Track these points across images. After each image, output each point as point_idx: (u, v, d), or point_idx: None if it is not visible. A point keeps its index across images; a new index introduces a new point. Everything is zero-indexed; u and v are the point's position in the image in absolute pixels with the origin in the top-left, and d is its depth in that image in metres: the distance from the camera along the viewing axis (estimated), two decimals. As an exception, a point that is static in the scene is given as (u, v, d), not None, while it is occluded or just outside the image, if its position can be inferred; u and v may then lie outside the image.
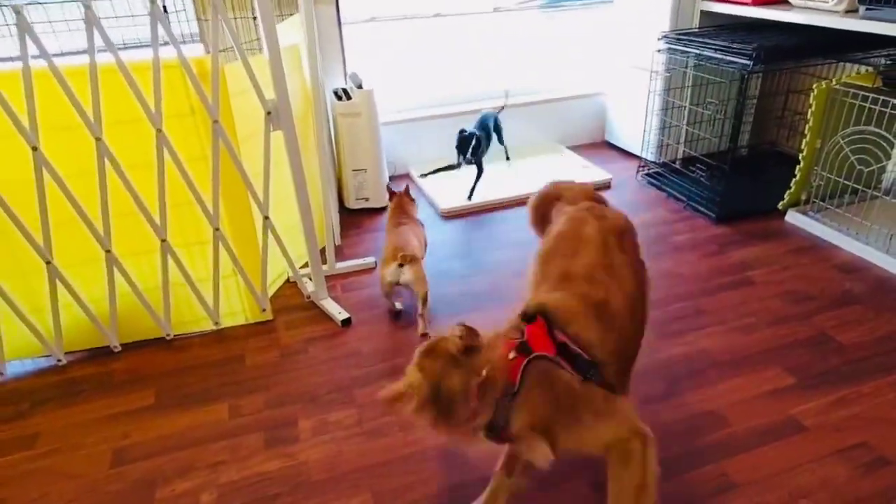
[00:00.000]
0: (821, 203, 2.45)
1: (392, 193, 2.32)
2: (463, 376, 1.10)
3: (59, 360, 1.90)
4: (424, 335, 1.95)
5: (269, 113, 1.78)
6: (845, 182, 2.33)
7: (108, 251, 1.77)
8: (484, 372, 1.10)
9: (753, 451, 1.48)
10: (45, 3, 1.67)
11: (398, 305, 2.10)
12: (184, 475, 1.49)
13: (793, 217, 2.55)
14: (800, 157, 2.43)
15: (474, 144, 2.73)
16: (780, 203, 2.57)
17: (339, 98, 2.62)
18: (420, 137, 3.19)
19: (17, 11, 1.45)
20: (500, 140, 3.06)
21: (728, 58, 2.40)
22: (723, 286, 2.14)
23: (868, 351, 1.79)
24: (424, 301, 1.98)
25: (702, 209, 2.65)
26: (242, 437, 1.59)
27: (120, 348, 1.95)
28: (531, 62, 3.38)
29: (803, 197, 2.53)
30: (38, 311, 1.84)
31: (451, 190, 2.91)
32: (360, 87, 2.65)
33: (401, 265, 1.96)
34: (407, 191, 2.33)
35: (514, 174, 3.09)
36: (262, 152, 1.84)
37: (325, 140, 2.19)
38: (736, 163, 2.59)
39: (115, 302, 1.86)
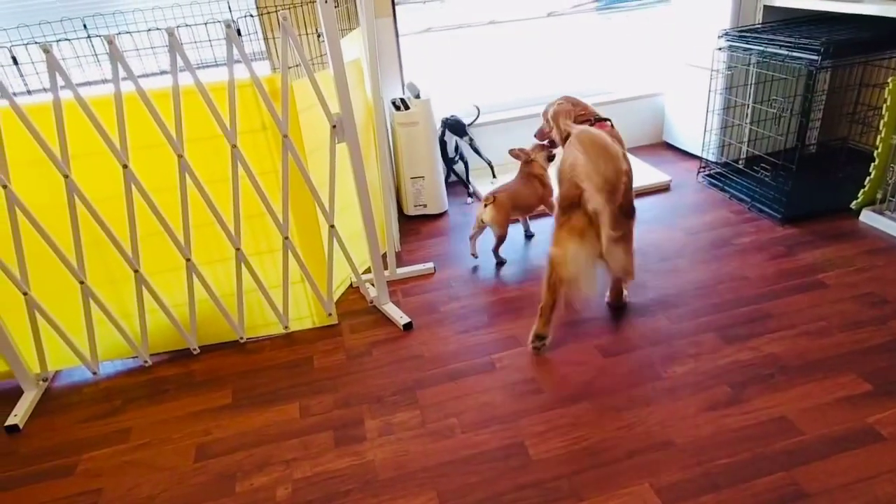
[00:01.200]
0: (898, 201, 2.34)
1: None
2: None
3: (145, 362, 2.04)
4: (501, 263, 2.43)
5: (334, 126, 1.87)
6: (925, 179, 2.22)
7: (188, 260, 1.90)
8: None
9: (827, 459, 1.43)
10: (135, 32, 1.80)
11: (476, 252, 2.46)
12: (261, 470, 1.58)
13: (867, 217, 2.43)
14: (874, 154, 2.32)
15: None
16: (854, 202, 2.46)
17: (398, 108, 2.69)
18: (477, 143, 3.22)
19: (110, 42, 1.59)
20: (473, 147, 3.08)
21: (794, 54, 2.33)
22: (792, 289, 2.08)
23: (953, 357, 1.70)
24: (499, 241, 2.39)
25: (767, 210, 2.57)
26: (313, 436, 1.68)
27: (198, 350, 2.09)
28: (588, 64, 3.36)
29: (879, 195, 2.41)
30: (126, 316, 1.99)
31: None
32: (417, 96, 2.72)
33: (486, 205, 2.35)
34: (540, 147, 2.47)
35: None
36: (327, 163, 1.93)
37: (385, 149, 2.27)
38: (804, 161, 2.50)
39: (195, 307, 1.99)
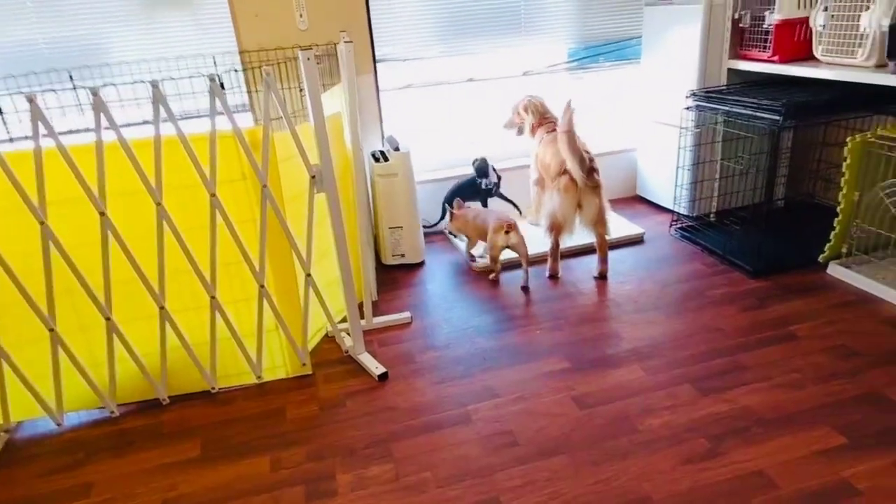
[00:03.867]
0: (863, 255, 2.41)
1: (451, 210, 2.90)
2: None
3: (112, 412, 1.98)
4: (525, 287, 2.64)
5: (313, 177, 1.90)
6: (888, 234, 2.30)
7: (161, 308, 1.87)
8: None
9: (803, 514, 1.42)
10: (120, 84, 1.83)
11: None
12: (226, 528, 1.52)
13: (835, 270, 2.50)
14: (838, 210, 2.41)
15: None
16: (821, 256, 2.53)
17: (377, 160, 2.75)
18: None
19: (94, 93, 1.62)
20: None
21: (758, 114, 2.45)
22: (764, 341, 2.11)
23: (922, 409, 1.72)
24: (526, 259, 2.64)
25: (738, 263, 2.63)
26: (284, 490, 1.62)
27: (168, 401, 2.03)
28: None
29: (844, 249, 2.49)
30: (95, 364, 1.94)
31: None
32: (396, 149, 2.78)
33: (507, 232, 2.58)
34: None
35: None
36: (305, 212, 1.95)
37: (363, 200, 2.30)
38: (772, 215, 2.59)
39: (166, 356, 1.95)
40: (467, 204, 2.92)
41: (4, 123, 2.34)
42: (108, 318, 1.83)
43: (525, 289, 2.62)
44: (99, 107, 1.64)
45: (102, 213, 1.73)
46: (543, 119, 2.88)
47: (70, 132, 2.44)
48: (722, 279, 2.56)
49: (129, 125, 2.41)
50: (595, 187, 2.53)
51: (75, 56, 2.56)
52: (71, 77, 2.52)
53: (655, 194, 3.41)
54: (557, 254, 2.71)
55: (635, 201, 3.53)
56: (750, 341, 2.11)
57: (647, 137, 3.35)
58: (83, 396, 1.97)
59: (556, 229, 2.64)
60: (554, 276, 2.70)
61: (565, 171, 2.54)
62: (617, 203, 3.48)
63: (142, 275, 1.81)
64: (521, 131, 2.99)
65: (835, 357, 1.99)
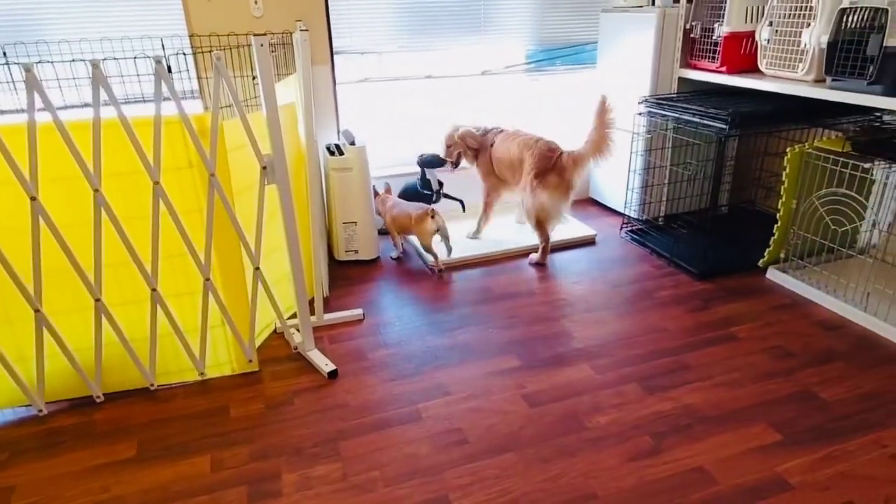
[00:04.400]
0: (799, 261, 2.52)
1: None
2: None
3: (39, 410, 1.86)
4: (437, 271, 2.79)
5: (264, 167, 1.84)
6: (822, 241, 2.41)
7: (97, 300, 1.77)
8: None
9: (740, 508, 1.47)
10: (56, 62, 1.73)
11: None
12: (162, 531, 1.45)
13: (773, 274, 2.61)
14: (777, 217, 2.52)
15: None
16: (761, 261, 2.64)
17: (332, 153, 2.70)
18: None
19: (28, 69, 1.52)
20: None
21: (705, 122, 2.53)
22: (708, 341, 2.17)
23: (851, 408, 1.81)
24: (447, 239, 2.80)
25: (685, 266, 2.71)
26: (224, 492, 1.56)
27: (103, 398, 1.93)
28: (518, 123, 3.51)
29: (782, 255, 2.60)
30: (21, 359, 1.82)
31: (441, 246, 2.96)
32: (352, 143, 2.74)
33: (433, 217, 2.68)
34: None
35: (509, 229, 3.16)
36: (256, 205, 1.89)
37: (317, 194, 2.25)
38: (716, 221, 2.68)
39: (101, 351, 1.85)
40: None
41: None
42: (37, 310, 1.72)
43: (438, 271, 2.78)
44: (32, 84, 1.53)
45: (34, 198, 1.62)
46: (483, 140, 2.98)
47: (2, 112, 2.29)
48: (669, 281, 2.63)
49: (66, 107, 2.28)
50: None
51: (9, 31, 2.40)
52: (4, 53, 2.36)
53: (607, 197, 3.48)
54: (548, 246, 2.86)
55: (588, 203, 3.60)
56: (694, 342, 2.18)
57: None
58: (8, 393, 1.84)
59: (547, 223, 2.81)
60: (543, 265, 2.86)
61: (547, 169, 2.70)
62: (571, 205, 3.53)
63: (76, 264, 1.71)
64: (457, 164, 3.05)
65: (772, 357, 2.07)
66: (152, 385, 1.96)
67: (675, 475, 1.58)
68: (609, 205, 3.48)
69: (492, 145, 2.93)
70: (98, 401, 1.92)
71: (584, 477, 1.58)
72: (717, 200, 2.84)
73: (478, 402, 1.88)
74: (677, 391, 1.91)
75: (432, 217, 2.68)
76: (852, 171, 2.25)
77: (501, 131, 2.94)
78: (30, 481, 1.61)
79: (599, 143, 2.60)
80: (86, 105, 1.67)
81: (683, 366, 2.04)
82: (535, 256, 2.87)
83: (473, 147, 2.97)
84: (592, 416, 1.80)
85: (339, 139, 2.91)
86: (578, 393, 1.91)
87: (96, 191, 1.67)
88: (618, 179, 3.27)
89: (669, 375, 1.99)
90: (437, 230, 2.72)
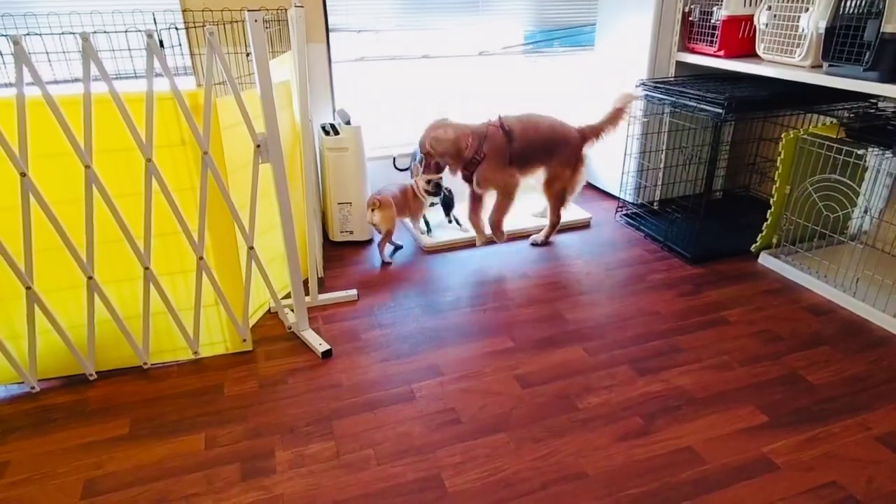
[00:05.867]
0: (791, 247, 2.54)
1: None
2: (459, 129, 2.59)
3: (32, 388, 1.86)
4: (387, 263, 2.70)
5: (258, 146, 1.82)
6: (814, 227, 2.43)
7: (90, 278, 1.77)
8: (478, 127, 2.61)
9: (727, 488, 1.50)
10: (44, 34, 1.69)
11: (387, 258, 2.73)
12: (156, 507, 1.46)
13: (765, 259, 2.63)
14: (771, 202, 2.53)
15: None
16: (753, 246, 2.66)
17: (327, 133, 2.67)
18: (405, 173, 3.25)
19: (16, 42, 1.49)
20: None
21: (702, 106, 2.52)
22: (699, 325, 2.20)
23: (837, 391, 1.84)
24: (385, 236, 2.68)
25: (678, 250, 2.73)
26: (218, 469, 1.57)
27: (95, 376, 1.93)
28: (514, 104, 3.49)
29: (774, 240, 2.62)
30: (13, 337, 1.82)
31: (434, 225, 2.96)
32: (347, 123, 2.71)
33: (372, 210, 2.59)
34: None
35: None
36: (250, 183, 1.87)
37: (311, 173, 2.24)
38: (710, 206, 2.69)
39: (94, 329, 1.84)
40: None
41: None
42: (28, 288, 1.71)
43: (387, 263, 2.70)
44: (21, 57, 1.51)
45: (24, 174, 1.60)
46: (457, 149, 2.61)
47: (-11, 86, 2.25)
48: (662, 265, 2.64)
49: (56, 82, 2.24)
50: None
51: (-4, 3, 2.35)
52: (-9, 26, 2.31)
53: (603, 181, 3.48)
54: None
55: (584, 187, 3.58)
56: (685, 325, 2.20)
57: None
58: (0, 370, 1.84)
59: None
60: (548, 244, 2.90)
61: (581, 146, 2.75)
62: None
63: (68, 242, 1.70)
64: (439, 167, 2.72)
65: (761, 341, 2.10)
66: (146, 363, 1.96)
67: (664, 455, 1.60)
68: (604, 188, 3.48)
69: (482, 148, 2.61)
70: (91, 379, 1.92)
71: (574, 456, 1.60)
72: (712, 185, 2.85)
73: (470, 383, 1.90)
74: (668, 373, 1.93)
75: (372, 210, 2.60)
76: (846, 158, 2.26)
77: (498, 122, 2.67)
78: (23, 457, 1.62)
79: (615, 119, 2.74)
80: (76, 80, 1.64)
81: (674, 348, 2.06)
82: (539, 237, 2.87)
83: (454, 154, 2.62)
84: (584, 397, 1.82)
85: (334, 119, 2.88)
86: (570, 374, 1.93)
87: (87, 167, 1.66)
88: (614, 163, 3.27)
89: (660, 358, 2.01)
90: (374, 225, 2.64)
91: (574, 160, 2.73)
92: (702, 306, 2.32)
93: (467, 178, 2.67)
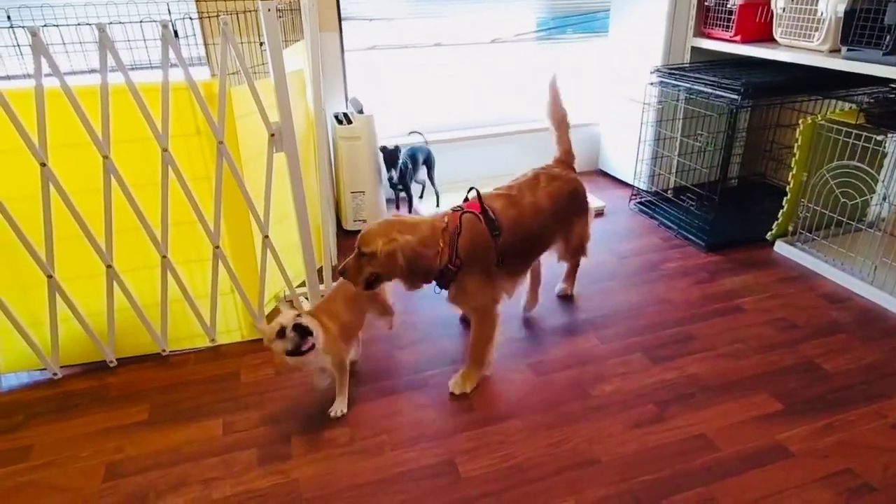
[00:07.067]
0: (807, 234, 2.51)
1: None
2: (426, 228, 1.69)
3: (54, 374, 1.91)
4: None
5: (272, 135, 1.83)
6: (831, 214, 2.40)
7: (109, 266, 1.79)
8: (445, 220, 1.71)
9: (741, 475, 1.50)
10: (61, 25, 1.71)
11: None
12: (176, 490, 1.49)
13: (781, 247, 2.61)
14: (787, 190, 2.50)
15: (401, 166, 2.79)
16: (769, 233, 2.63)
17: (340, 122, 2.68)
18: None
19: (34, 34, 1.51)
20: (430, 176, 3.05)
21: (717, 92, 2.49)
22: (713, 313, 2.18)
23: (853, 379, 1.82)
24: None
25: (692, 238, 2.71)
26: (236, 454, 1.60)
27: (116, 363, 1.97)
28: (527, 91, 3.47)
29: (791, 228, 2.59)
30: (35, 324, 1.86)
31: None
32: (360, 111, 2.72)
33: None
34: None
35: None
36: (264, 173, 1.89)
37: (325, 162, 2.25)
38: (725, 193, 2.66)
39: (114, 317, 1.88)
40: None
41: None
42: (49, 276, 1.75)
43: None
44: (39, 49, 1.53)
45: (43, 164, 1.63)
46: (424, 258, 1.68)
47: (7, 77, 2.28)
48: (676, 253, 2.63)
49: (73, 73, 2.26)
50: None
51: (13, -5, 2.37)
52: (9, 17, 2.34)
53: (616, 169, 3.45)
54: None
55: (597, 175, 3.57)
56: (700, 313, 2.19)
57: (612, 112, 3.37)
58: (23, 357, 1.88)
59: None
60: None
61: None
62: (580, 176, 3.51)
63: (87, 231, 1.73)
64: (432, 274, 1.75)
65: (776, 329, 2.08)
66: (164, 350, 2.00)
67: (678, 442, 1.60)
68: (618, 176, 3.45)
69: (460, 230, 1.70)
70: (111, 365, 1.96)
71: (587, 443, 1.61)
72: (728, 173, 2.82)
73: (486, 369, 1.90)
74: (682, 361, 1.93)
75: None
76: (865, 144, 2.22)
77: (468, 209, 1.75)
78: (46, 441, 1.66)
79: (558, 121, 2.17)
80: (93, 71, 1.66)
81: (688, 336, 2.05)
82: (566, 287, 2.31)
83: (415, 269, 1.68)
84: (597, 385, 1.83)
85: (346, 108, 2.89)
86: (584, 362, 1.93)
87: (105, 157, 1.68)
88: (627, 150, 3.25)
89: (674, 346, 2.00)
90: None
91: (584, 203, 2.10)
92: (717, 294, 2.30)
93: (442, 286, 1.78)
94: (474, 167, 3.32)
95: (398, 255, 1.61)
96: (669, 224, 2.86)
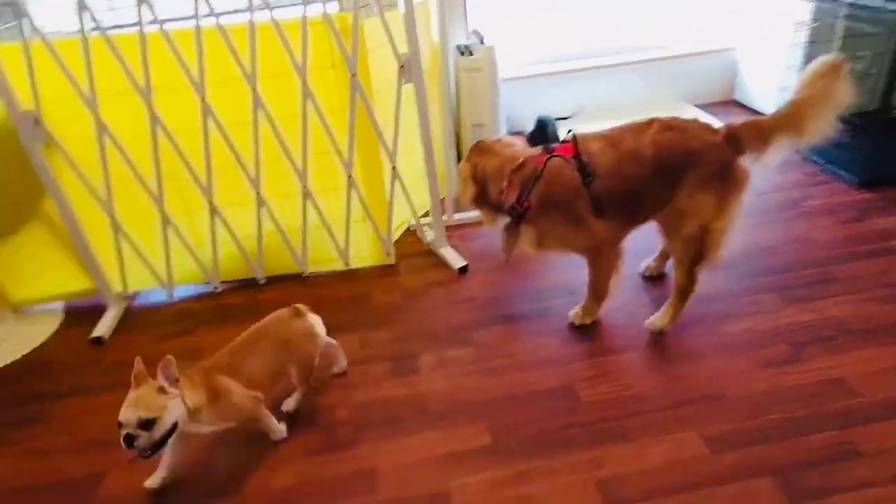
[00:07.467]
0: None
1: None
2: (497, 162, 1.67)
3: (215, 288, 2.17)
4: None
5: (402, 66, 1.88)
6: None
7: (258, 193, 1.98)
8: (521, 159, 1.63)
9: (885, 422, 1.41)
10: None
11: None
12: (321, 392, 1.68)
13: (952, 184, 2.30)
14: (968, 118, 2.17)
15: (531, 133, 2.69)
16: (938, 168, 2.32)
17: (462, 54, 2.67)
18: (538, 93, 3.18)
19: (193, -25, 1.64)
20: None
21: (890, 5, 2.17)
22: (861, 254, 2.00)
23: None
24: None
25: (842, 173, 2.45)
26: (371, 365, 1.76)
27: (265, 281, 2.20)
28: (656, 16, 3.22)
29: (967, 162, 2.27)
30: (199, 244, 2.11)
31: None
32: (481, 42, 2.69)
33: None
34: None
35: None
36: (391, 105, 1.95)
37: (447, 94, 2.27)
38: (887, 124, 2.36)
39: (262, 240, 2.08)
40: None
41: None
42: (210, 202, 1.96)
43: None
44: (198, -10, 1.66)
45: (203, 99, 1.80)
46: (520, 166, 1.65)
47: (169, 20, 2.50)
48: (821, 190, 2.41)
49: (222, 13, 2.43)
50: None
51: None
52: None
53: (755, 99, 3.16)
54: None
55: (732, 106, 3.30)
56: (843, 254, 2.02)
57: (752, 35, 3.06)
58: (190, 272, 2.15)
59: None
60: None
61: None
62: (713, 107, 3.27)
63: (240, 162, 1.91)
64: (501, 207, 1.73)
65: (938, 275, 1.88)
66: (304, 272, 2.20)
67: (814, 384, 1.53)
68: (756, 108, 3.16)
69: (540, 174, 1.61)
70: (261, 283, 2.20)
71: (713, 378, 1.59)
72: (891, 101, 2.48)
73: (606, 303, 1.91)
74: (821, 303, 1.81)
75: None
76: None
77: (570, 148, 1.62)
78: (211, 343, 1.90)
79: (802, 111, 1.63)
80: (236, 11, 1.79)
81: (830, 278, 1.91)
82: (660, 318, 1.76)
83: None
84: (724, 323, 1.77)
85: (468, 39, 2.86)
86: (711, 300, 1.87)
87: (254, 90, 1.82)
88: (769, 78, 2.95)
89: (813, 287, 1.88)
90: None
91: (718, 180, 1.59)
92: (866, 234, 2.10)
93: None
94: (613, 96, 3.19)
95: (469, 181, 1.75)
96: (815, 159, 2.60)
